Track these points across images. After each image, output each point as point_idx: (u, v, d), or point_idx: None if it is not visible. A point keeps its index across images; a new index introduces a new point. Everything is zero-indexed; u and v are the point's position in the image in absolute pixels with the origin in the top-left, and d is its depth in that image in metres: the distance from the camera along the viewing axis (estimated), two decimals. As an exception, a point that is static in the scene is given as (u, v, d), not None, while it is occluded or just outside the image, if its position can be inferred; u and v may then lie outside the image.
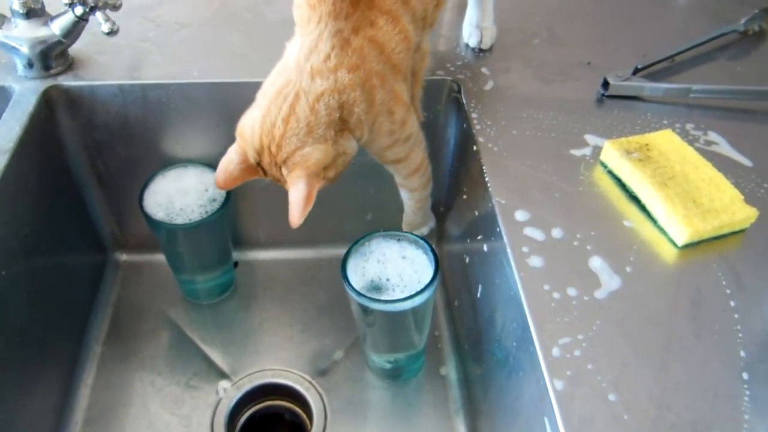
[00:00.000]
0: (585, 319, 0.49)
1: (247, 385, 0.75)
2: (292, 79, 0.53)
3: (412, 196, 0.68)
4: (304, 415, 0.75)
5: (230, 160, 0.56)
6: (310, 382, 0.75)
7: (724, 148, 0.65)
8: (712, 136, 0.66)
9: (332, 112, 0.53)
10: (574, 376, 0.46)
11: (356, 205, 0.83)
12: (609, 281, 0.52)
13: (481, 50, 0.76)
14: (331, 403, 0.74)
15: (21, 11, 0.65)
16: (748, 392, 0.45)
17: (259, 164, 0.56)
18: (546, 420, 0.45)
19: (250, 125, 0.54)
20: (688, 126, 0.67)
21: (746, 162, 0.63)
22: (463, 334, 0.75)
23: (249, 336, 0.80)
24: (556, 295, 0.51)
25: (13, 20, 0.66)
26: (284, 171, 0.54)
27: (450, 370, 0.76)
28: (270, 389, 0.76)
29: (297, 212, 0.53)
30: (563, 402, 0.44)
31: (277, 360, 0.77)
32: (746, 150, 0.64)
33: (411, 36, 0.57)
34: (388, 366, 0.75)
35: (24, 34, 0.66)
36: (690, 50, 0.77)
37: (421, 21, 0.59)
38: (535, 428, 0.47)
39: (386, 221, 0.74)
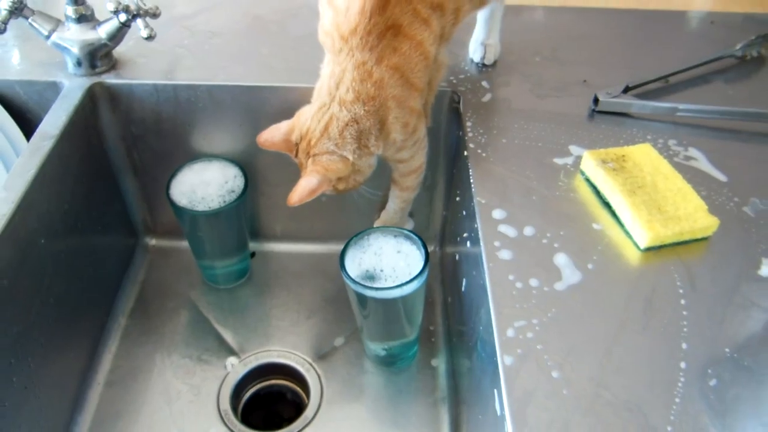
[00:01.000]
0: (542, 307, 0.54)
1: (253, 363, 0.82)
2: (326, 103, 0.62)
3: (401, 194, 0.75)
4: (303, 394, 0.82)
5: (278, 128, 0.66)
6: (310, 364, 0.82)
7: (702, 163, 0.69)
8: (692, 152, 0.70)
9: (353, 141, 0.62)
10: (524, 354, 0.51)
11: (367, 206, 0.89)
12: (570, 276, 0.57)
13: (484, 65, 0.82)
14: (329, 384, 0.80)
15: (74, 16, 0.75)
16: (683, 379, 0.50)
17: (296, 145, 0.65)
18: (495, 392, 0.50)
19: (307, 114, 0.64)
20: (671, 142, 0.71)
21: (721, 177, 0.67)
22: (454, 329, 0.80)
23: (259, 319, 0.87)
24: (518, 284, 0.56)
25: (66, 24, 0.76)
26: (310, 161, 0.64)
27: (440, 362, 0.82)
28: (274, 368, 0.82)
29: (298, 197, 0.62)
30: (510, 375, 0.50)
31: (283, 342, 0.84)
32: (723, 166, 0.68)
33: (431, 55, 0.64)
34: (383, 353, 0.80)
35: (75, 37, 0.75)
36: (684, 72, 0.81)
37: (439, 38, 0.65)
38: (490, 401, 0.53)
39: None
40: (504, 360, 0.50)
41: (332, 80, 0.62)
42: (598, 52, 0.86)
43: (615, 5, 0.99)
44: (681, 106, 0.74)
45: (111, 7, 0.72)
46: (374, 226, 0.80)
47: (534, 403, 0.48)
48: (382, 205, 0.81)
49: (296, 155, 0.66)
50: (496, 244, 0.59)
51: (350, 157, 0.63)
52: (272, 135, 0.66)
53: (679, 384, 0.49)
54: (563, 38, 0.89)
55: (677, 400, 0.48)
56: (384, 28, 0.60)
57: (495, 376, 0.51)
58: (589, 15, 0.95)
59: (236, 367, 0.81)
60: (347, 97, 0.61)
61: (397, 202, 0.77)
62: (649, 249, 0.59)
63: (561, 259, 0.58)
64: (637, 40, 0.90)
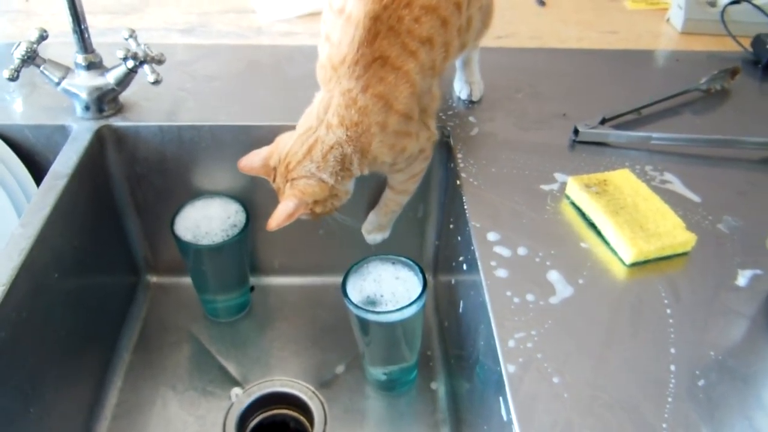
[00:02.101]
0: (539, 319, 0.58)
1: (257, 392, 0.84)
2: (313, 126, 0.67)
3: (395, 197, 0.78)
4: (307, 423, 0.84)
5: (258, 153, 0.70)
6: (313, 392, 0.84)
7: (677, 186, 0.74)
8: (668, 176, 0.75)
9: (336, 164, 0.66)
10: (525, 362, 0.54)
11: (361, 238, 0.93)
12: (563, 290, 0.61)
13: (471, 102, 0.88)
14: (332, 411, 0.82)
15: (83, 64, 0.79)
16: (673, 380, 0.54)
17: (274, 169, 0.68)
18: (500, 399, 0.54)
19: (286, 140, 0.68)
20: (647, 167, 0.77)
21: (695, 198, 0.72)
22: (451, 352, 0.84)
23: (261, 350, 0.89)
24: (516, 299, 0.60)
25: (76, 71, 0.80)
26: (287, 186, 0.67)
27: (439, 386, 0.84)
28: (278, 397, 0.84)
29: (277, 221, 0.65)
30: (514, 382, 0.53)
31: (285, 372, 0.86)
32: (696, 188, 0.74)
33: (417, 84, 0.67)
34: (384, 378, 0.83)
35: (84, 83, 0.79)
36: (655, 105, 0.87)
37: (430, 70, 0.69)
38: (494, 409, 0.56)
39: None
40: (507, 368, 0.54)
41: (321, 106, 0.66)
42: (574, 88, 0.93)
43: (586, 46, 1.06)
44: (654, 135, 0.80)
45: (120, 54, 0.76)
46: (363, 228, 0.84)
47: (538, 406, 0.51)
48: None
49: (274, 180, 0.69)
50: (492, 263, 0.63)
51: (329, 181, 0.66)
52: (251, 160, 0.70)
53: (671, 385, 0.53)
54: (541, 76, 0.95)
55: (669, 399, 0.52)
56: (371, 59, 0.64)
57: (499, 385, 0.54)
58: (563, 55, 1.02)
59: (240, 397, 0.83)
60: (333, 121, 0.65)
61: (390, 205, 0.80)
62: (634, 264, 0.64)
63: (553, 276, 0.62)
64: (609, 77, 0.96)
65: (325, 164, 0.65)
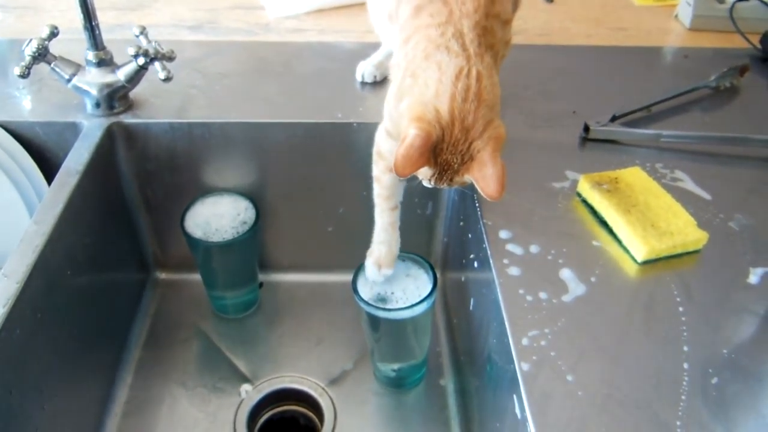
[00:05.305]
0: (552, 317, 0.58)
1: (267, 389, 0.84)
2: (463, 65, 0.57)
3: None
4: (316, 419, 0.84)
5: (411, 145, 0.55)
6: (323, 389, 0.84)
7: (688, 184, 0.74)
8: (678, 174, 0.76)
9: (494, 88, 0.58)
10: (539, 361, 0.55)
11: (370, 235, 0.92)
12: (575, 288, 0.61)
13: (480, 100, 0.88)
14: (341, 407, 0.82)
15: (94, 61, 0.79)
16: (687, 378, 0.54)
17: (436, 148, 0.57)
18: (515, 397, 0.54)
19: (433, 106, 0.56)
20: (657, 165, 0.77)
21: (706, 196, 0.72)
22: (461, 349, 0.84)
23: (270, 347, 0.89)
24: (529, 297, 0.60)
25: (87, 68, 0.79)
26: (478, 144, 0.57)
27: (448, 382, 0.85)
28: (287, 394, 0.85)
29: (500, 186, 0.57)
30: (528, 380, 0.53)
31: (294, 368, 0.86)
32: (707, 186, 0.74)
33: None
34: (393, 374, 0.83)
35: (94, 80, 0.79)
36: (664, 102, 0.87)
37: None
38: (508, 407, 0.56)
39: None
40: (522, 366, 0.54)
41: (454, 45, 0.58)
42: (584, 86, 0.92)
43: (595, 43, 1.06)
44: (664, 133, 0.80)
45: (131, 51, 0.76)
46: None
47: (552, 404, 0.51)
48: None
49: (435, 164, 0.58)
50: (505, 261, 0.64)
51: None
52: (409, 156, 0.56)
53: (684, 383, 0.53)
54: (550, 74, 0.95)
55: (683, 397, 0.52)
56: None
57: (513, 383, 0.54)
58: (570, 52, 1.02)
59: (250, 394, 0.83)
60: (479, 50, 0.58)
61: None
62: (645, 262, 0.64)
63: (566, 274, 0.63)
64: (618, 74, 0.96)
65: (494, 96, 0.58)
